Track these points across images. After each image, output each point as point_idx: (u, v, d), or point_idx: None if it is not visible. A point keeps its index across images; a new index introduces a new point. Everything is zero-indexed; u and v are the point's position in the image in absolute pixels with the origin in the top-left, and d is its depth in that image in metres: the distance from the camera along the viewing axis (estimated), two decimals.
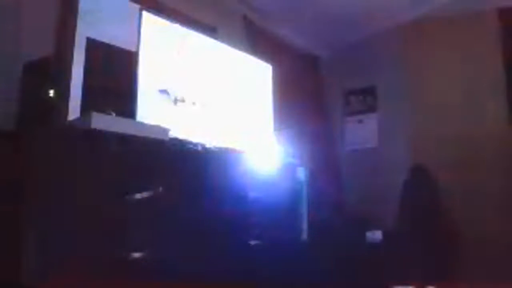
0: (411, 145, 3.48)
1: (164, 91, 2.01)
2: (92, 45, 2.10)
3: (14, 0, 1.93)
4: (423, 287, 2.26)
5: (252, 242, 1.97)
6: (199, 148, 1.86)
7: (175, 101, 2.06)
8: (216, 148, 2.01)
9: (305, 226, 2.42)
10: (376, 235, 2.82)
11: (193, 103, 2.14)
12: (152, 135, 1.66)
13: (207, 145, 1.95)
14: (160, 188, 1.61)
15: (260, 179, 2.13)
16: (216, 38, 2.40)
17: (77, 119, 1.65)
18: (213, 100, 2.26)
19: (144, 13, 1.97)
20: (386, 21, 3.63)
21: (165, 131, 1.72)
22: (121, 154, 1.53)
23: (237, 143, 2.28)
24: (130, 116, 1.78)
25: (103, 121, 1.49)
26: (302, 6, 3.30)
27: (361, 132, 3.87)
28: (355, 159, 3.84)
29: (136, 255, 1.49)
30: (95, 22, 2.14)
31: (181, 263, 1.60)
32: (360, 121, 3.91)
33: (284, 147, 2.55)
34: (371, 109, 3.85)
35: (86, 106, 1.95)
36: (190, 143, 1.85)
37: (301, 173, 2.48)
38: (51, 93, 1.64)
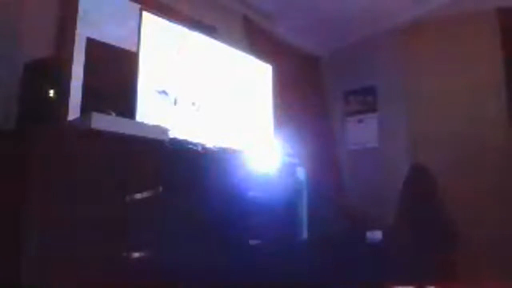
0: (411, 145, 3.48)
1: (163, 91, 2.01)
2: (92, 45, 2.10)
3: (15, 0, 1.93)
4: (423, 287, 2.26)
5: (252, 242, 1.97)
6: (199, 148, 1.86)
7: (175, 100, 2.06)
8: (216, 148, 2.01)
9: (305, 226, 2.42)
10: (376, 235, 2.82)
11: (193, 103, 2.15)
12: (152, 135, 1.66)
13: (207, 145, 1.95)
14: (160, 188, 1.61)
15: (259, 178, 2.13)
16: (216, 38, 2.40)
17: (77, 119, 1.64)
18: (213, 100, 2.26)
19: (144, 13, 1.98)
20: (385, 21, 3.63)
21: (164, 131, 1.72)
22: (121, 154, 1.53)
23: (237, 143, 2.28)
24: (129, 116, 1.78)
25: (103, 121, 1.49)
26: (302, 6, 3.30)
27: (361, 132, 3.87)
28: (356, 158, 3.84)
29: (136, 255, 1.50)
30: (95, 22, 2.14)
31: (181, 263, 1.61)
32: (360, 121, 3.91)
33: (284, 146, 2.55)
34: (371, 109, 3.85)
35: (86, 106, 1.96)
36: (190, 143, 1.85)
37: (301, 173, 2.48)
38: (51, 93, 1.63)
